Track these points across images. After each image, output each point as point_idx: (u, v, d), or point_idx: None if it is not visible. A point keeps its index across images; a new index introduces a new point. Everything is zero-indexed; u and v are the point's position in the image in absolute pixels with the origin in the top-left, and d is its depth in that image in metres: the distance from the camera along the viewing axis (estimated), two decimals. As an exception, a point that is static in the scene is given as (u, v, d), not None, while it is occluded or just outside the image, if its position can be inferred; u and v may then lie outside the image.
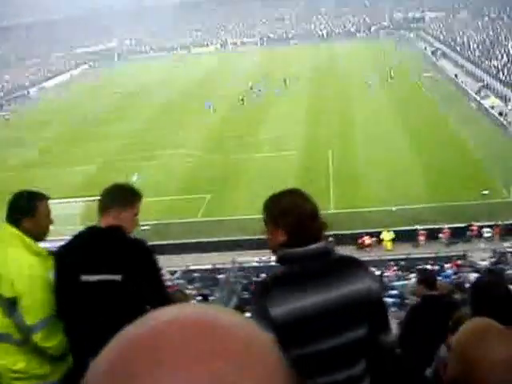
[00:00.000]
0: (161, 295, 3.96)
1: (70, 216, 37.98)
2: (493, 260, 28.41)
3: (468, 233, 33.44)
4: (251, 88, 73.38)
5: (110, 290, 3.79)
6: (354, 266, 2.91)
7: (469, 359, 2.32)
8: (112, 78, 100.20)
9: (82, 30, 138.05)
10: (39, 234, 4.40)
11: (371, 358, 2.86)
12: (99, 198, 4.10)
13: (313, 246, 2.81)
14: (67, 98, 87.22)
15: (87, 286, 3.81)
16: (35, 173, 49.35)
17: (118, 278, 3.75)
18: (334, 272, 2.82)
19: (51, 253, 4.23)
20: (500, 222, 33.02)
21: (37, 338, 3.98)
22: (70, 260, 4.00)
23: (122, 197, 4.08)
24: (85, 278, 3.82)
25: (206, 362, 0.61)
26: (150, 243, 4.32)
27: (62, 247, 4.18)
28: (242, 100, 67.10)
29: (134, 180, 43.60)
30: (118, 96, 78.70)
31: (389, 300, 23.02)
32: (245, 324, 0.70)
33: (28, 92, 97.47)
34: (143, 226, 37.60)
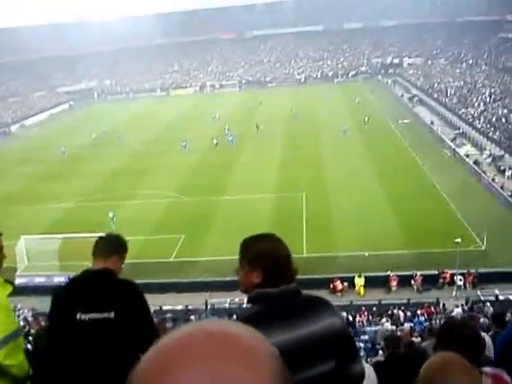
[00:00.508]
0: (150, 330, 4.26)
1: (47, 252, 38.10)
2: (465, 307, 28.58)
3: (440, 280, 33.74)
4: (228, 130, 73.72)
5: (104, 326, 4.10)
6: (321, 305, 3.04)
7: None
8: (91, 118, 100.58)
9: (63, 70, 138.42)
10: None
11: None
12: (94, 245, 4.63)
13: (284, 287, 2.96)
14: (47, 135, 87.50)
15: (82, 323, 4.11)
16: (13, 208, 49.41)
17: (111, 315, 4.10)
18: (303, 311, 2.94)
19: (7, 281, 4.37)
20: (472, 271, 33.33)
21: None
22: (67, 300, 4.31)
23: (113, 245, 4.66)
24: (80, 316, 4.13)
25: (214, 362, 0.81)
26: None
27: (59, 289, 4.55)
28: (216, 144, 67.42)
29: (110, 217, 44.07)
30: (96, 135, 78.68)
31: (361, 345, 23.19)
32: (252, 333, 0.92)
33: (9, 129, 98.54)
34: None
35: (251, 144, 68.10)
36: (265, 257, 3.02)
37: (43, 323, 29.34)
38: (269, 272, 3.00)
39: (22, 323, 29.60)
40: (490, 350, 4.92)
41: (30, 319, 30.54)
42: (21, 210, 49.29)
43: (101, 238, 4.73)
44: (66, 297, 4.34)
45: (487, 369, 3.66)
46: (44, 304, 30.73)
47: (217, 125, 78.61)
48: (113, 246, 4.66)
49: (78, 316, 4.12)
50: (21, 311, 31.47)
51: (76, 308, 4.15)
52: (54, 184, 57.19)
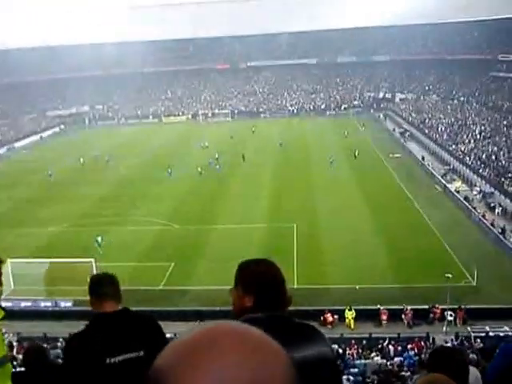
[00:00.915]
0: None
1: (33, 276, 37.83)
2: (455, 343, 28.51)
3: (431, 315, 33.70)
4: (217, 159, 74.25)
5: (134, 366, 4.07)
6: (311, 333, 2.99)
7: None
8: (81, 142, 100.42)
9: (54, 94, 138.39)
10: None
11: None
12: (100, 285, 4.57)
13: (274, 313, 2.91)
14: (35, 158, 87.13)
15: (113, 366, 4.09)
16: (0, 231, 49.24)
17: (141, 354, 4.16)
18: (292, 337, 2.85)
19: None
20: (463, 306, 33.29)
21: None
22: (94, 346, 4.20)
23: (117, 287, 4.60)
24: (110, 360, 4.10)
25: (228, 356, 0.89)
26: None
27: (80, 335, 4.41)
28: (201, 173, 67.97)
29: (98, 241, 44.01)
30: (84, 160, 78.61)
31: (350, 378, 23.02)
32: (262, 334, 1.00)
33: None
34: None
35: (242, 173, 68.34)
36: (261, 280, 3.01)
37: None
38: (261, 296, 2.98)
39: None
40: (479, 381, 4.97)
41: (14, 344, 30.19)
42: (7, 233, 48.96)
43: (106, 278, 4.65)
44: (91, 342, 4.24)
45: None
46: (29, 329, 30.62)
47: (206, 153, 78.58)
48: (118, 287, 4.64)
49: (107, 361, 4.09)
50: (5, 335, 31.10)
51: (104, 352, 4.11)
52: (41, 208, 57.11)
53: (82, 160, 78.66)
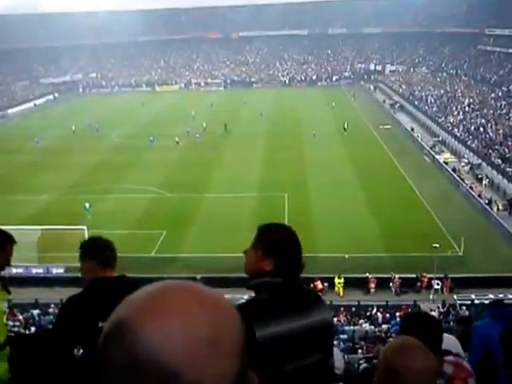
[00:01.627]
0: None
1: (26, 243, 37.54)
2: (441, 310, 28.68)
3: (418, 284, 33.85)
4: (204, 129, 74.47)
5: None
6: (318, 300, 3.17)
7: (393, 369, 2.53)
8: (75, 110, 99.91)
9: (48, 61, 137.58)
10: None
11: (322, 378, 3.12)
12: (100, 253, 4.56)
13: (291, 279, 3.04)
14: (28, 126, 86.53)
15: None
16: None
17: None
18: (304, 303, 3.05)
19: (5, 287, 4.60)
20: (449, 275, 33.43)
21: None
22: (90, 309, 4.19)
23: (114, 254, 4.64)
24: (102, 324, 3.94)
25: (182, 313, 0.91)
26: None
27: (78, 297, 4.46)
28: (177, 142, 67.86)
29: (87, 207, 43.85)
30: (76, 128, 78.17)
31: (340, 343, 23.14)
32: (216, 293, 0.98)
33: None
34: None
35: (230, 143, 68.18)
36: (281, 247, 3.06)
37: (19, 315, 28.98)
38: (282, 262, 3.03)
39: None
40: (457, 347, 4.95)
41: (5, 310, 30.07)
42: (1, 200, 48.62)
43: (107, 244, 4.64)
44: (89, 306, 4.23)
45: (449, 357, 3.96)
46: (21, 296, 30.47)
47: (199, 122, 78.12)
48: (115, 253, 4.65)
49: (100, 324, 3.98)
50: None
51: (98, 316, 4.01)
52: (33, 176, 56.57)
53: (73, 128, 78.15)
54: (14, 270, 37.12)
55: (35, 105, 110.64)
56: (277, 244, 3.06)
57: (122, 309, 0.93)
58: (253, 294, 3.10)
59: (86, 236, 35.84)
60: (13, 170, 59.23)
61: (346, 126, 71.40)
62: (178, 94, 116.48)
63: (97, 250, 4.57)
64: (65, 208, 45.81)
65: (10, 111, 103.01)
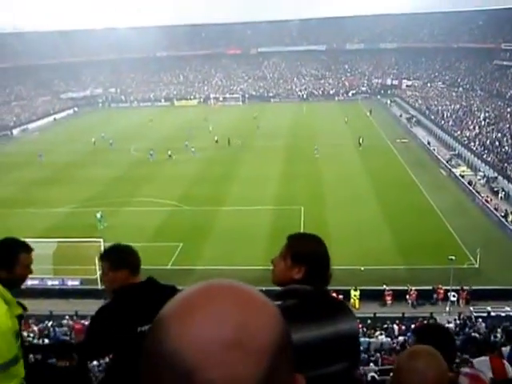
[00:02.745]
0: None
1: (41, 255, 37.50)
2: (458, 322, 28.36)
3: (434, 296, 33.54)
4: (217, 141, 74.87)
5: None
6: (344, 308, 3.18)
7: (403, 372, 2.58)
8: (94, 125, 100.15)
9: (68, 76, 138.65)
10: (14, 283, 4.42)
11: None
12: (124, 257, 4.58)
13: (319, 287, 3.10)
14: (48, 140, 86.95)
15: (144, 335, 4.06)
16: (8, 211, 49.04)
17: None
18: (330, 311, 3.05)
19: (19, 303, 4.30)
20: (465, 287, 33.11)
21: None
22: (126, 315, 4.26)
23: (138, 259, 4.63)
24: (141, 328, 4.11)
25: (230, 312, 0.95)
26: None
27: (110, 306, 4.47)
28: (170, 155, 67.82)
29: (98, 217, 43.94)
30: (97, 142, 78.52)
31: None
32: (254, 294, 1.02)
33: (11, 132, 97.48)
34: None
35: (249, 156, 68.10)
36: (311, 256, 3.11)
37: (34, 326, 28.95)
38: (311, 271, 3.08)
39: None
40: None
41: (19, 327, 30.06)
42: (16, 213, 48.72)
43: (129, 250, 4.65)
44: (123, 312, 4.29)
45: (465, 369, 3.94)
46: (35, 306, 30.42)
47: (217, 134, 77.93)
48: (136, 258, 4.62)
49: (138, 329, 4.10)
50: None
51: (135, 321, 4.12)
52: (51, 189, 56.75)
53: (93, 139, 78.67)
54: (30, 282, 37.14)
55: (55, 119, 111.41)
56: (307, 253, 3.11)
57: (164, 307, 1.00)
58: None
59: (103, 249, 35.80)
60: (30, 183, 59.45)
61: (361, 140, 70.62)
62: (195, 109, 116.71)
63: (127, 259, 4.56)
64: (82, 221, 45.91)
65: (30, 126, 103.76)
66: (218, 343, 0.90)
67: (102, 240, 36.07)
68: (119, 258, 4.55)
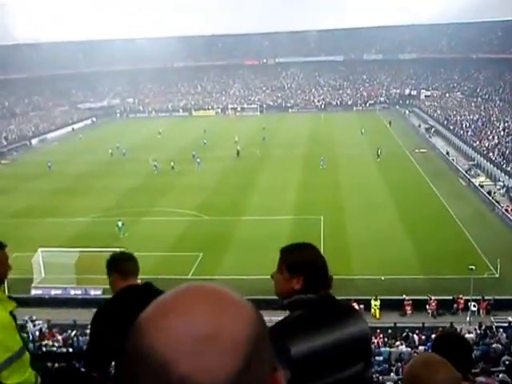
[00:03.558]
0: None
1: (64, 265, 37.95)
2: (478, 333, 28.35)
3: (454, 305, 33.54)
4: (238, 153, 74.80)
5: None
6: (352, 311, 3.26)
7: (417, 380, 2.67)
8: (112, 135, 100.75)
9: (86, 87, 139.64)
10: None
11: None
12: (123, 262, 4.96)
13: (322, 293, 3.12)
14: (67, 150, 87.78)
15: None
16: (31, 221, 49.51)
17: None
18: (339, 316, 3.10)
19: (11, 297, 4.39)
20: (487, 297, 33.07)
21: (2, 377, 3.99)
22: (123, 317, 4.18)
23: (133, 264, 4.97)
24: None
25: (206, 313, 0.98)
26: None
27: (109, 307, 4.78)
28: (173, 167, 68.00)
29: (119, 226, 44.25)
30: (115, 152, 79.31)
31: (375, 365, 23.00)
32: (229, 293, 1.04)
33: (30, 142, 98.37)
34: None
35: (268, 166, 68.39)
36: (306, 265, 3.13)
37: (58, 335, 29.33)
38: (309, 279, 3.11)
39: (37, 333, 29.54)
40: None
41: (44, 330, 30.41)
42: (38, 222, 49.19)
43: (126, 257, 5.02)
44: (122, 312, 4.29)
45: (480, 378, 3.99)
46: (59, 316, 30.85)
47: (234, 144, 78.43)
48: (133, 263, 4.96)
49: None
50: (36, 322, 31.36)
51: (133, 321, 4.27)
52: (71, 198, 57.21)
53: (110, 151, 79.49)
54: (53, 292, 37.57)
55: (73, 129, 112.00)
56: (301, 262, 3.14)
57: (144, 311, 1.03)
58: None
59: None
60: (50, 193, 60.11)
61: (379, 152, 70.17)
62: (213, 119, 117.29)
63: (116, 263, 4.91)
64: (103, 230, 46.21)
65: (49, 136, 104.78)
66: (191, 337, 0.94)
67: (123, 249, 36.39)
68: (108, 264, 4.97)
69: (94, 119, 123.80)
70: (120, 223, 45.61)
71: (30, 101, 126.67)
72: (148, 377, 0.94)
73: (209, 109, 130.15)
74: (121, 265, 4.89)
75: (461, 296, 33.19)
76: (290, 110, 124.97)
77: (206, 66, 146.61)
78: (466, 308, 32.76)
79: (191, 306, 0.98)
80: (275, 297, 3.23)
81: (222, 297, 1.02)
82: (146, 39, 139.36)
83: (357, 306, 32.77)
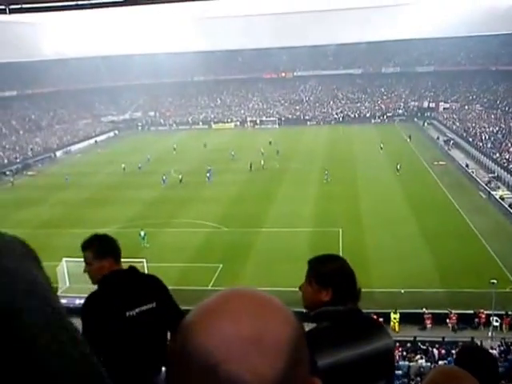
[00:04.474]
0: (181, 314, 4.52)
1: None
2: (502, 349, 27.80)
3: (476, 320, 32.90)
4: (251, 167, 74.59)
5: (149, 317, 4.40)
6: (378, 326, 3.22)
7: None
8: (134, 147, 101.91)
9: (108, 100, 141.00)
10: None
11: None
12: (101, 244, 4.76)
13: (351, 306, 3.08)
14: (90, 162, 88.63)
15: (132, 319, 4.35)
16: (56, 231, 49.78)
17: (153, 305, 4.45)
18: (365, 329, 3.06)
19: None
20: (510, 312, 32.47)
21: None
22: (114, 301, 4.41)
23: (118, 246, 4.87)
24: (129, 313, 4.34)
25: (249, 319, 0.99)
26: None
27: (98, 294, 4.53)
28: (180, 180, 67.96)
29: (141, 235, 44.47)
30: (137, 163, 79.57)
31: (395, 379, 22.46)
32: (269, 297, 1.07)
33: (55, 154, 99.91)
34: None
35: (286, 178, 68.26)
36: (335, 276, 3.11)
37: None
38: (338, 291, 3.09)
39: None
40: None
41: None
42: (63, 233, 49.41)
43: (106, 238, 4.84)
44: (111, 299, 4.41)
45: None
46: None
47: (253, 156, 78.31)
48: (118, 246, 4.86)
49: (127, 314, 4.31)
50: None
51: (123, 306, 4.33)
52: (95, 209, 57.73)
53: (134, 163, 79.56)
54: (78, 301, 37.41)
55: (96, 142, 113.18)
56: (330, 274, 3.11)
57: (187, 315, 1.06)
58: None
59: (146, 268, 36.17)
60: (74, 204, 60.52)
61: (398, 167, 68.80)
62: (232, 132, 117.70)
63: (111, 247, 4.81)
64: (124, 241, 46.03)
65: (73, 148, 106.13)
66: (239, 339, 0.97)
67: (144, 260, 36.35)
68: (103, 246, 4.70)
69: (117, 132, 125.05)
70: (142, 233, 46.13)
71: (54, 114, 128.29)
72: (197, 376, 0.97)
73: (228, 122, 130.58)
74: (115, 247, 4.80)
75: (482, 310, 32.60)
76: (308, 123, 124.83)
77: (225, 80, 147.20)
78: (488, 323, 32.11)
79: (237, 309, 1.01)
80: (295, 308, 2.88)
81: (264, 301, 1.05)
82: (167, 54, 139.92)
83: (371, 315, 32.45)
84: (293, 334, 1.03)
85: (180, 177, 68.76)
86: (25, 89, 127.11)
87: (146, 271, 36.35)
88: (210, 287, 37.92)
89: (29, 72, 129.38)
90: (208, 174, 69.37)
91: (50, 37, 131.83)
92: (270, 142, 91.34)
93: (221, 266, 41.12)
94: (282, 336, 1.01)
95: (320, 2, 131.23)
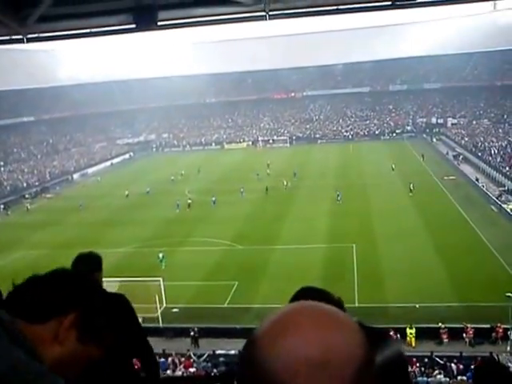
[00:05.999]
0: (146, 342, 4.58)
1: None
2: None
3: (493, 334, 32.06)
4: (266, 190, 73.19)
5: None
6: (385, 335, 2.59)
7: None
8: (149, 168, 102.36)
9: (123, 123, 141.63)
10: None
11: None
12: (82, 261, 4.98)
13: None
14: (106, 184, 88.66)
15: None
16: (72, 252, 49.04)
17: None
18: (375, 340, 2.45)
19: None
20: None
21: None
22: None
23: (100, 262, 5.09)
24: None
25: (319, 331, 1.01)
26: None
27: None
28: (189, 204, 66.36)
29: (160, 257, 44.20)
30: (151, 184, 79.45)
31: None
32: (341, 316, 1.08)
33: (72, 177, 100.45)
34: (173, 308, 37.15)
35: (300, 196, 67.87)
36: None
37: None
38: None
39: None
40: None
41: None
42: (76, 253, 49.16)
43: (88, 255, 5.06)
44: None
45: None
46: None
47: (266, 176, 77.93)
48: (100, 263, 5.04)
49: None
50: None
51: None
52: (110, 230, 57.61)
53: (149, 184, 79.51)
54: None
55: (112, 164, 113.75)
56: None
57: (257, 328, 1.07)
58: None
59: (162, 287, 35.77)
60: (90, 225, 60.44)
61: (411, 187, 66.19)
62: (245, 151, 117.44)
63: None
64: (141, 261, 46.09)
65: (89, 170, 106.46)
66: (306, 362, 0.95)
67: (161, 279, 35.98)
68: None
69: (132, 154, 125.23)
70: (161, 255, 45.63)
71: (71, 138, 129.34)
72: None
73: (240, 142, 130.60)
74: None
75: (499, 324, 31.78)
76: (318, 141, 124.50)
77: (236, 101, 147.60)
78: (506, 337, 31.33)
79: (304, 327, 1.00)
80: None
81: (334, 318, 1.04)
82: (179, 77, 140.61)
83: (393, 335, 31.78)
84: (360, 353, 1.02)
85: (189, 201, 67.41)
86: (42, 114, 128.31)
87: (163, 290, 35.99)
88: (226, 305, 37.53)
89: (46, 98, 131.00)
90: (213, 199, 67.74)
91: (65, 63, 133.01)
92: (269, 164, 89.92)
93: (236, 283, 40.65)
94: (350, 358, 1.00)
95: (327, 23, 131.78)
